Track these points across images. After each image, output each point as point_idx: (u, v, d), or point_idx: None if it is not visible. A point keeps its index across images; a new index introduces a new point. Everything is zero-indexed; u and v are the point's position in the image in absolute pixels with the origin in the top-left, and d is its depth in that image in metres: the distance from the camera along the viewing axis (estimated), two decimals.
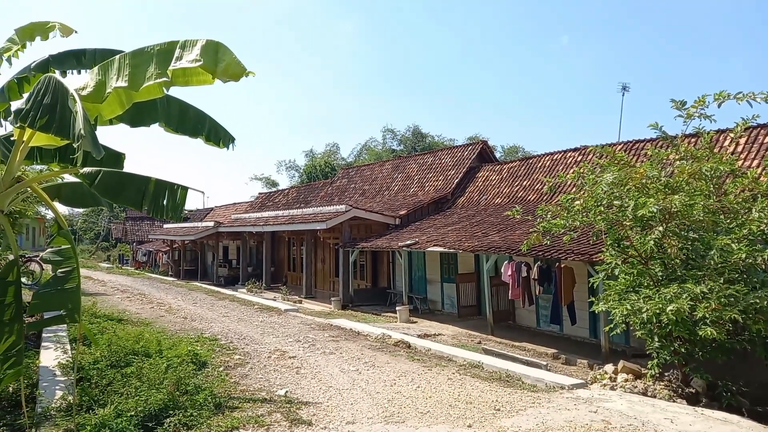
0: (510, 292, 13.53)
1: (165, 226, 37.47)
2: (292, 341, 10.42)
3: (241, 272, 29.08)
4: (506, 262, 13.60)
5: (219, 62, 4.47)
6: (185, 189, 5.77)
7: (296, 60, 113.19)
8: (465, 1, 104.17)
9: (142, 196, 5.61)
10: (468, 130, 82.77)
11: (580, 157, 17.30)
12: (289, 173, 54.94)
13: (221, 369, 8.01)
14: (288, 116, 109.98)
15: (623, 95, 30.18)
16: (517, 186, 19.30)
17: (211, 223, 30.82)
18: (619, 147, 16.29)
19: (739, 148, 13.18)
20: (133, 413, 5.63)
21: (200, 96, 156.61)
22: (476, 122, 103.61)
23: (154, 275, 31.70)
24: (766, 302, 6.92)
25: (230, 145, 6.71)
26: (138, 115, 6.03)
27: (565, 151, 18.75)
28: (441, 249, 15.36)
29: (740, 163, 12.47)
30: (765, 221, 7.65)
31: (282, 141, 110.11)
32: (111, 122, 5.80)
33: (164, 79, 4.52)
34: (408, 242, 16.80)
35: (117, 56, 4.89)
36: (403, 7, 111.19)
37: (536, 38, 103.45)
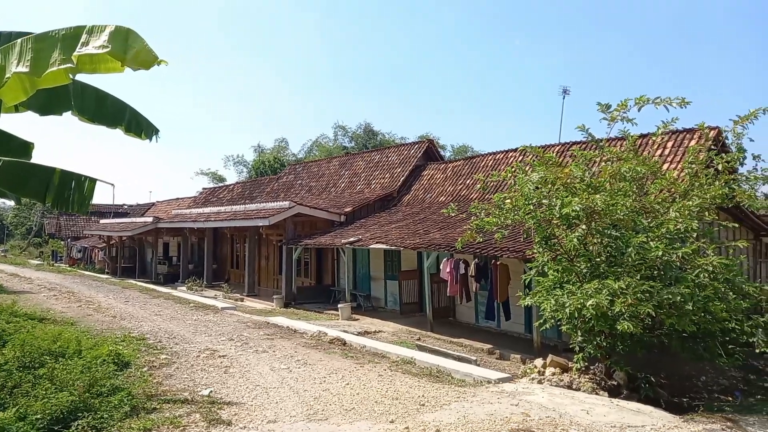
0: (448, 288, 13.70)
1: (102, 221, 35.83)
2: (225, 340, 10.17)
3: (182, 270, 28.20)
4: (445, 259, 13.77)
5: (129, 49, 4.25)
6: (93, 181, 5.46)
7: (250, 56, 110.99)
8: (420, 1, 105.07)
9: (45, 188, 5.26)
10: (420, 129, 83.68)
11: (521, 157, 17.63)
12: (236, 168, 53.81)
13: (145, 369, 7.72)
14: (238, 111, 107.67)
15: (564, 98, 31.09)
16: (460, 185, 19.58)
17: (150, 219, 29.75)
18: (557, 148, 16.85)
19: (666, 151, 13.82)
20: (39, 416, 5.36)
21: (147, 87, 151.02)
22: (428, 121, 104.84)
23: (87, 273, 30.29)
24: (679, 297, 7.24)
25: (153, 137, 6.42)
26: (48, 103, 5.68)
27: (507, 151, 19.19)
28: (384, 246, 15.38)
29: (667, 165, 13.08)
30: (681, 221, 8.04)
31: (230, 135, 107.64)
32: (17, 109, 5.44)
33: (69, 65, 4.27)
34: (351, 239, 16.72)
35: (19, 40, 4.59)
36: (358, 5, 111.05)
37: (488, 40, 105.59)
